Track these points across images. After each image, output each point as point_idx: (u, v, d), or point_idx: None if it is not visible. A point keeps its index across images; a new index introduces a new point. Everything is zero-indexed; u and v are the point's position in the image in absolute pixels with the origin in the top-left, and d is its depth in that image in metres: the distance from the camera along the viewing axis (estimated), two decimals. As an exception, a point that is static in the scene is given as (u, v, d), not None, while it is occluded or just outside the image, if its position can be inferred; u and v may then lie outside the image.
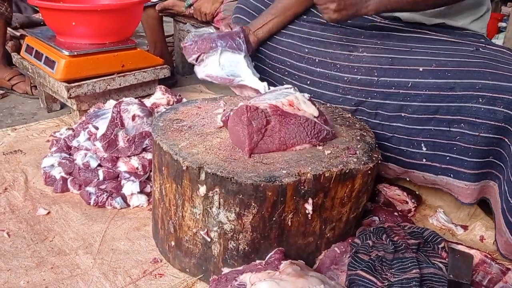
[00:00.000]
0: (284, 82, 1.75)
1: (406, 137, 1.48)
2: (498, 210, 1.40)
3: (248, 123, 1.17)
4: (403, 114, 1.45)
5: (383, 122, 1.51)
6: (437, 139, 1.42)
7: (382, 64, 1.50)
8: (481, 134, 1.33)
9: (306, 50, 1.69)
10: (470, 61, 1.36)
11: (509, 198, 1.33)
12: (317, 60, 1.66)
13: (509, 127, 1.30)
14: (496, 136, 1.32)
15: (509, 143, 1.32)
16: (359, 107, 1.54)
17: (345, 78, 1.57)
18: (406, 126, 1.46)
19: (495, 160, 1.37)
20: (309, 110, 1.25)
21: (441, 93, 1.37)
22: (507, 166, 1.34)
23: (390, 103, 1.48)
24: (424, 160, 1.47)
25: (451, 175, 1.43)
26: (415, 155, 1.48)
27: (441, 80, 1.38)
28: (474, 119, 1.33)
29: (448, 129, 1.38)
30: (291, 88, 1.35)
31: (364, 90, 1.53)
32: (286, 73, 1.75)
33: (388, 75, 1.48)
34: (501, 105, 1.29)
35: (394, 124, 1.48)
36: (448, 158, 1.42)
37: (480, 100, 1.31)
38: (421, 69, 1.42)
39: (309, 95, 1.31)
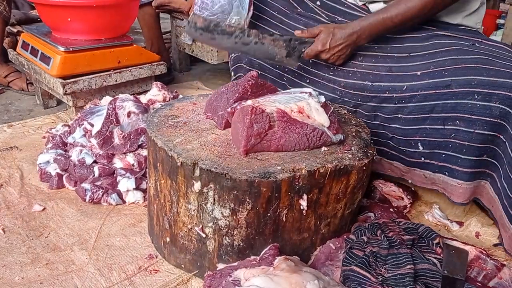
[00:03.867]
0: (285, 79, 1.74)
1: (403, 138, 1.48)
2: (497, 207, 1.40)
3: (250, 125, 1.14)
4: (399, 116, 1.45)
5: (383, 123, 1.51)
6: (432, 138, 1.41)
7: (379, 70, 1.50)
8: (476, 131, 1.32)
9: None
10: (467, 57, 1.36)
11: (510, 194, 1.33)
12: (310, 61, 1.64)
13: (504, 124, 1.30)
14: (491, 133, 1.32)
15: (504, 140, 1.32)
16: (358, 109, 1.54)
17: (341, 83, 1.57)
18: (402, 127, 1.46)
19: (488, 159, 1.37)
20: (320, 119, 1.20)
21: (437, 91, 1.37)
22: (502, 164, 1.34)
23: (386, 106, 1.48)
24: (422, 158, 1.47)
25: (446, 173, 1.43)
26: (414, 154, 1.48)
27: (438, 79, 1.37)
28: (469, 116, 1.32)
29: (443, 127, 1.38)
30: (307, 93, 1.25)
31: (359, 95, 1.53)
32: (286, 69, 1.74)
33: (383, 80, 1.48)
34: (496, 101, 1.29)
35: (393, 125, 1.48)
36: (444, 155, 1.42)
37: (476, 96, 1.31)
38: (419, 73, 1.42)
39: (326, 100, 1.25)
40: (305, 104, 1.20)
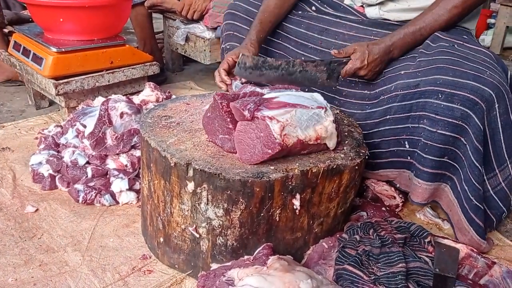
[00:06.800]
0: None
1: (393, 138, 1.48)
2: (455, 211, 1.41)
3: (268, 158, 1.13)
4: (388, 117, 1.46)
5: (372, 130, 1.51)
6: (414, 136, 1.42)
7: (377, 79, 1.52)
8: (438, 131, 1.32)
9: (303, 58, 1.68)
10: (439, 58, 1.36)
11: (470, 197, 1.34)
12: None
13: (465, 126, 1.29)
14: (452, 134, 1.31)
15: (465, 142, 1.31)
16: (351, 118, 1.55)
17: (343, 92, 1.59)
18: (391, 127, 1.47)
19: (449, 161, 1.36)
20: (329, 143, 1.21)
21: (410, 91, 1.38)
22: (463, 166, 1.34)
23: (377, 110, 1.50)
24: (408, 157, 1.47)
25: (414, 171, 1.44)
26: (403, 153, 1.48)
27: (412, 79, 1.39)
28: (434, 115, 1.32)
29: (418, 125, 1.39)
30: (323, 108, 1.20)
31: (357, 103, 1.55)
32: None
33: (378, 86, 1.51)
34: (458, 102, 1.28)
35: (382, 128, 1.49)
36: (416, 154, 1.42)
37: (440, 96, 1.31)
38: (402, 72, 1.44)
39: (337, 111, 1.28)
40: (323, 132, 1.18)
